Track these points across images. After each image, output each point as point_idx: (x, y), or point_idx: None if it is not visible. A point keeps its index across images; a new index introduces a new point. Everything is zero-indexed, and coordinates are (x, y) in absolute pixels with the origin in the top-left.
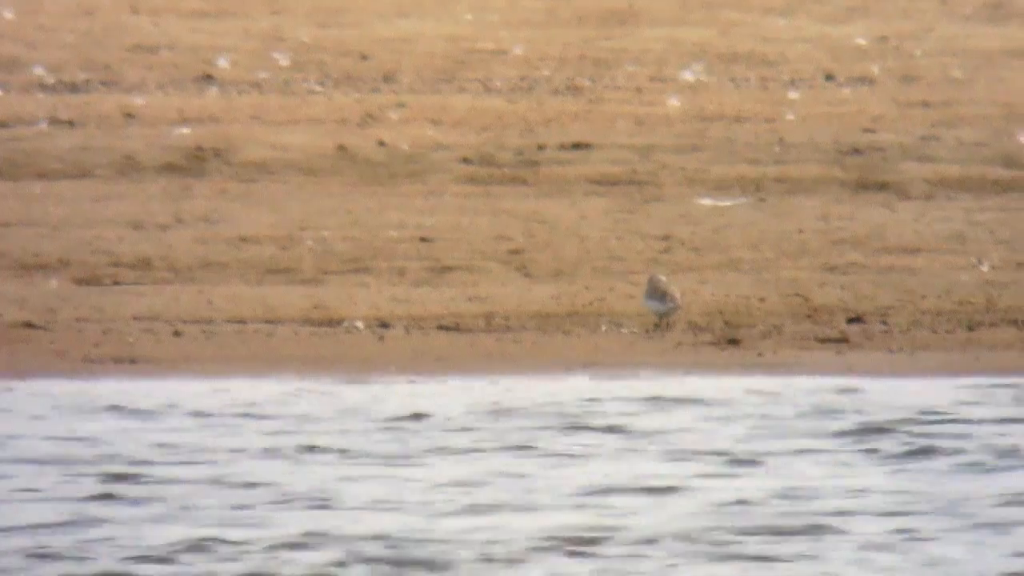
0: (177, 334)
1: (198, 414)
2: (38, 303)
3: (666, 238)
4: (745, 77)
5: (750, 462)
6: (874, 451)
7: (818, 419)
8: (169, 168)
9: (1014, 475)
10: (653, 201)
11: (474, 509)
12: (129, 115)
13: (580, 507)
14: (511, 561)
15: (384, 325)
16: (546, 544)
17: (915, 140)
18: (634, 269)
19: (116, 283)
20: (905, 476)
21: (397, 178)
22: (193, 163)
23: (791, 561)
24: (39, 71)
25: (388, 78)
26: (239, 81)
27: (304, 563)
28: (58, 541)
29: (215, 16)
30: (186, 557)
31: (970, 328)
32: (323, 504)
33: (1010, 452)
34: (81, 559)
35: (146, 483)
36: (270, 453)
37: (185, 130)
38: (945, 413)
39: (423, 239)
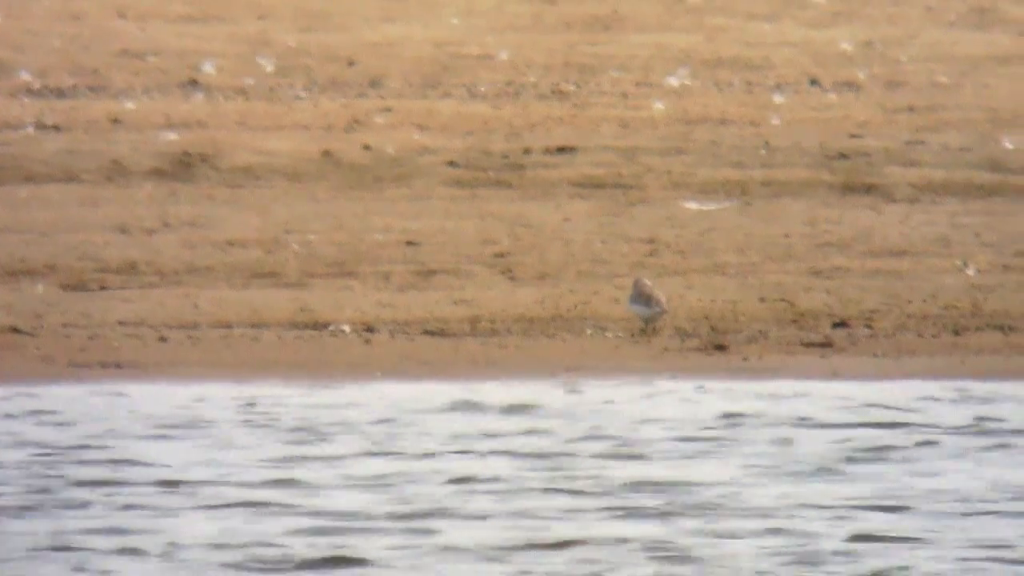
0: (163, 339)
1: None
2: (25, 308)
3: (651, 241)
4: (730, 82)
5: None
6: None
7: None
8: (156, 173)
9: None
10: (638, 204)
11: None
12: (116, 120)
13: None
14: None
15: (370, 329)
16: None
17: (900, 145)
18: (619, 273)
19: (103, 288)
20: None
21: (383, 182)
22: (179, 168)
23: None
24: (26, 76)
25: (374, 83)
26: (225, 86)
27: None
28: None
29: (201, 21)
30: None
31: (956, 332)
32: None
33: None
34: None
35: None
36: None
37: (172, 135)
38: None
39: (408, 243)
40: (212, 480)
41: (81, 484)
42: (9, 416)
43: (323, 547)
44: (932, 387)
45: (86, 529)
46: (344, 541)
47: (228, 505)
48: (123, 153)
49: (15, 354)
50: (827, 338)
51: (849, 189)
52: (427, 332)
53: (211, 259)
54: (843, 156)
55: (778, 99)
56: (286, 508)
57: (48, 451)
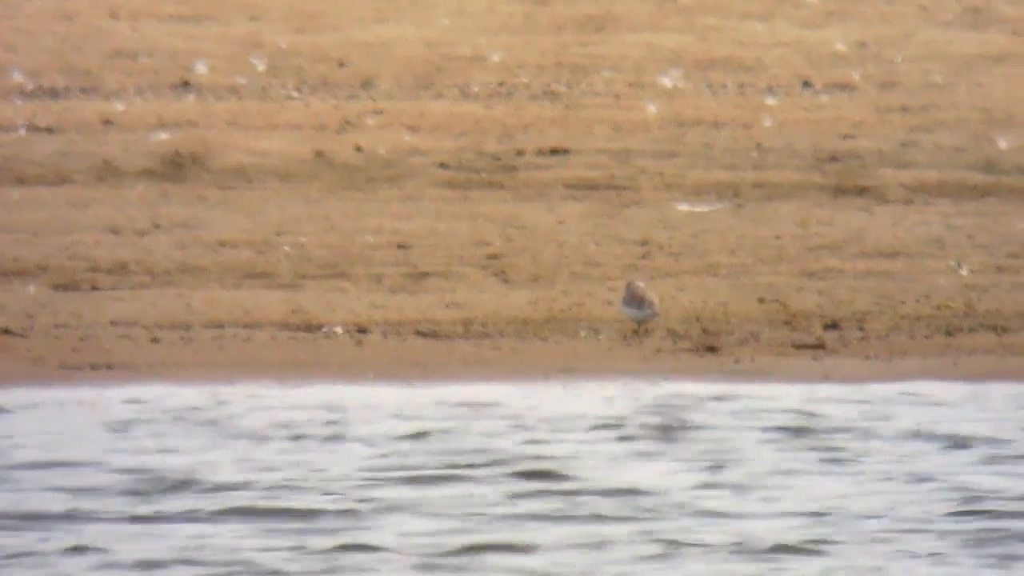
0: (155, 340)
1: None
2: (16, 309)
3: (644, 243)
4: (722, 83)
5: None
6: None
7: None
8: (147, 174)
9: None
10: (631, 206)
11: None
12: (108, 121)
13: None
14: None
15: (362, 331)
16: None
17: (894, 146)
18: (612, 275)
19: (94, 288)
20: None
21: (375, 183)
22: (171, 169)
23: None
24: (18, 76)
25: (366, 84)
26: (217, 87)
27: None
28: None
29: (193, 21)
30: None
31: (948, 333)
32: None
33: None
34: None
35: None
36: None
37: (163, 136)
38: None
39: (401, 245)
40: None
41: None
42: None
43: None
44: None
45: None
46: None
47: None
48: (115, 154)
49: (6, 356)
50: (819, 340)
51: (842, 191)
52: (419, 334)
53: (203, 260)
54: (836, 158)
55: (770, 101)
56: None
57: None
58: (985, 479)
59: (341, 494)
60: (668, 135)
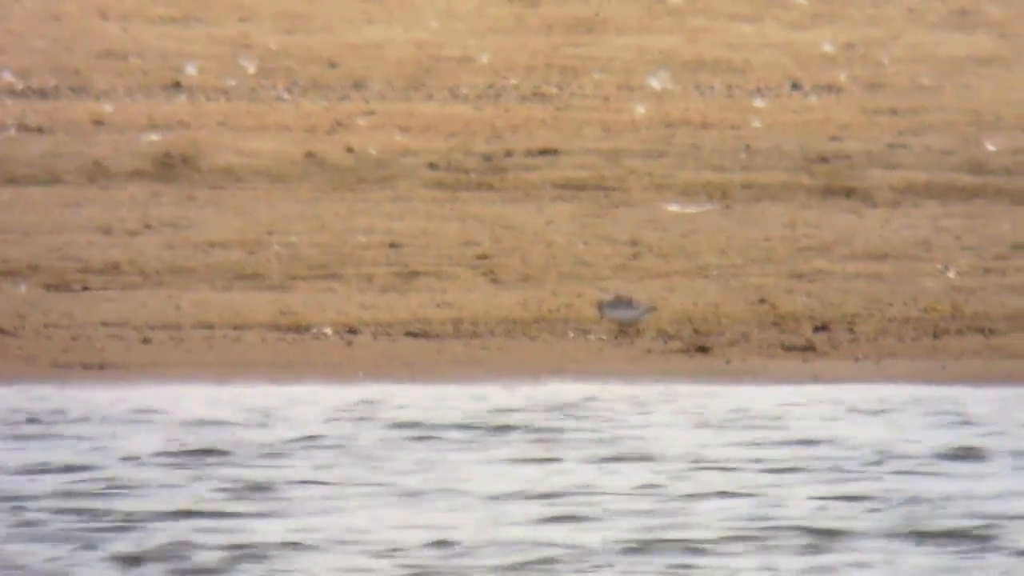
0: (145, 340)
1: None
2: (7, 309)
3: (633, 244)
4: (711, 84)
5: None
6: None
7: None
8: (138, 174)
9: None
10: (620, 207)
11: None
12: (98, 121)
13: None
14: None
15: (352, 331)
16: None
17: (882, 147)
18: (601, 275)
19: (85, 289)
20: None
21: (365, 184)
22: (162, 169)
23: None
24: (8, 77)
25: (356, 85)
26: (207, 88)
27: None
28: None
29: (183, 22)
30: None
31: (936, 336)
32: None
33: None
34: None
35: None
36: None
37: (154, 136)
38: None
39: (391, 245)
40: None
41: None
42: None
43: None
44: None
45: None
46: None
47: None
48: (105, 154)
49: None
50: (808, 341)
51: (830, 192)
52: (409, 334)
53: (193, 260)
54: (824, 159)
55: (759, 102)
56: None
57: None
58: None
59: None
60: (657, 136)
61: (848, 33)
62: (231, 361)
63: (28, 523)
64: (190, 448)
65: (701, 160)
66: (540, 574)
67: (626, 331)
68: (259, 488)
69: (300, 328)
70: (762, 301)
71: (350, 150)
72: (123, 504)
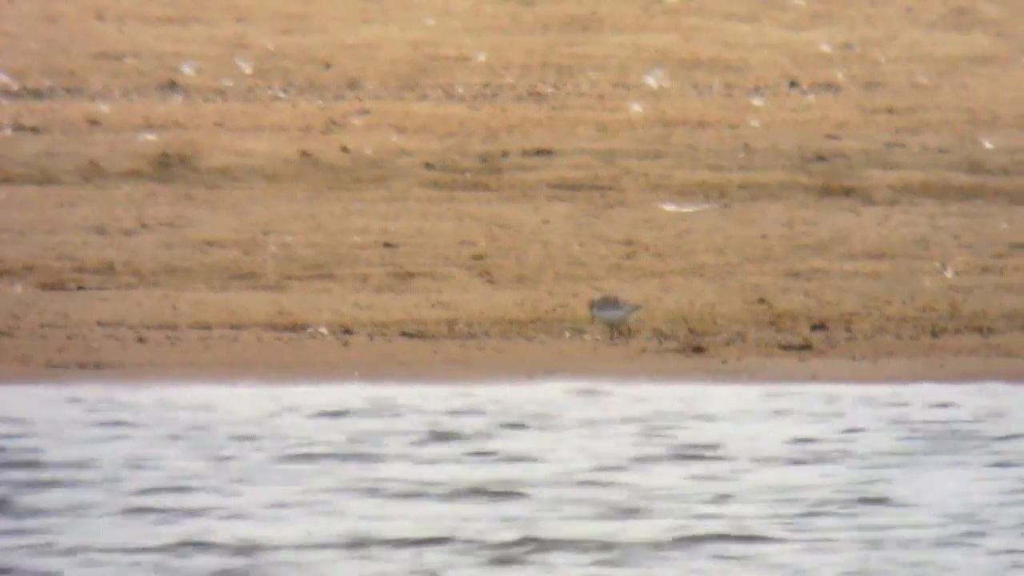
0: (141, 340)
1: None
2: (2, 308)
3: (629, 243)
4: (708, 83)
5: None
6: None
7: None
8: (134, 174)
9: None
10: (616, 206)
11: None
12: (94, 121)
13: None
14: None
15: (348, 331)
16: None
17: (879, 146)
18: (597, 275)
19: (80, 288)
20: None
21: (361, 184)
22: (158, 169)
23: None
24: (3, 78)
25: (351, 85)
26: (203, 88)
27: None
28: None
29: (179, 23)
30: None
31: (934, 334)
32: None
33: None
34: None
35: None
36: None
37: (150, 136)
38: None
39: (386, 245)
40: None
41: None
42: None
43: None
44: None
45: None
46: None
47: None
48: (101, 154)
49: None
50: (805, 340)
51: (827, 191)
52: (405, 334)
53: (189, 260)
54: (821, 158)
55: (756, 101)
56: None
57: None
58: None
59: None
60: (653, 135)
61: (845, 32)
62: (227, 361)
63: None
64: None
65: (698, 159)
66: None
67: (617, 330)
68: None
69: (296, 328)
70: (759, 300)
71: (345, 150)
72: None
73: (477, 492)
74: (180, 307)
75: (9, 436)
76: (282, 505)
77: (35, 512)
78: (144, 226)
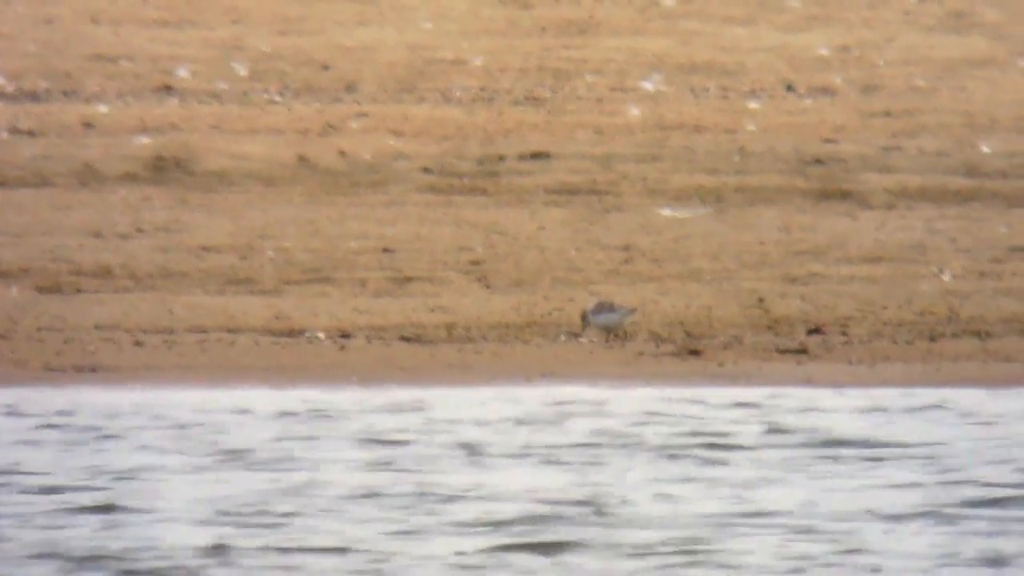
0: (138, 343)
1: None
2: None
3: (626, 248)
4: (705, 87)
5: None
6: None
7: None
8: (129, 177)
9: None
10: (613, 211)
11: None
12: (89, 124)
13: None
14: None
15: (345, 335)
16: None
17: (876, 150)
18: (594, 280)
19: (77, 291)
20: None
21: (358, 188)
22: (153, 172)
23: None
24: None
25: (349, 88)
26: (199, 91)
27: None
28: None
29: (175, 26)
30: None
31: (931, 339)
32: None
33: None
34: None
35: None
36: None
37: (145, 139)
38: None
39: (384, 249)
40: None
41: None
42: None
43: None
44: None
45: None
46: None
47: None
48: (96, 157)
49: None
50: (802, 344)
51: (824, 195)
52: (403, 338)
53: (185, 264)
54: (818, 162)
55: (753, 105)
56: None
57: None
58: None
59: None
60: (651, 139)
61: (842, 35)
62: (224, 365)
63: None
64: None
65: (695, 163)
66: None
67: (613, 334)
68: None
69: (293, 332)
70: (756, 305)
71: (342, 154)
72: None
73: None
74: (177, 311)
75: None
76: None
77: None
78: (140, 230)
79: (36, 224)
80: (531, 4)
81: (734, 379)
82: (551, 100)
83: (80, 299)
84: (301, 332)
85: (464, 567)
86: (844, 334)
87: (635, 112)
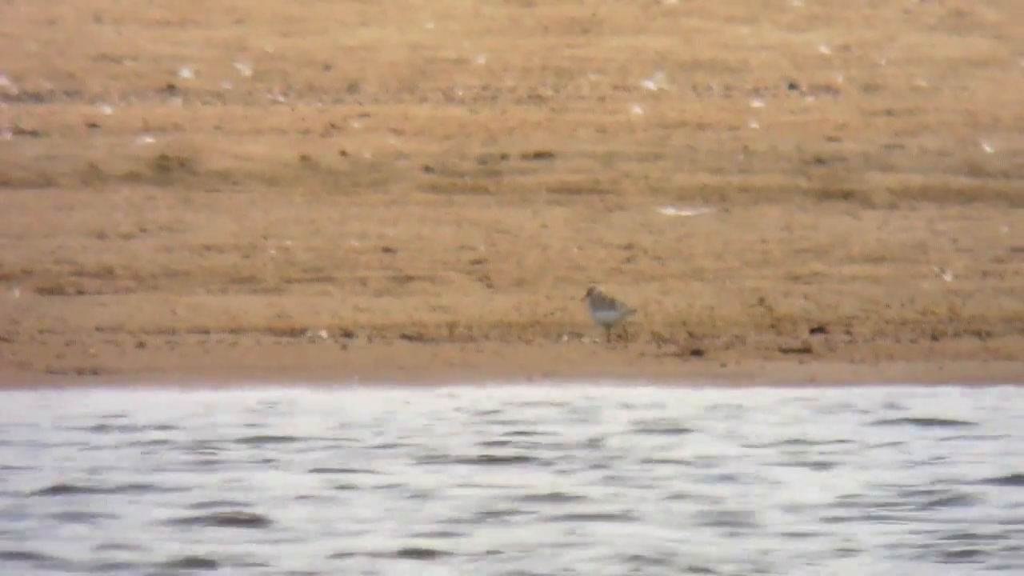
0: (140, 345)
1: None
2: (1, 314)
3: (628, 247)
4: (707, 86)
5: None
6: None
7: None
8: (132, 177)
9: None
10: (615, 210)
11: None
12: (93, 125)
13: None
14: None
15: (347, 335)
16: None
17: (879, 149)
18: (596, 279)
19: (79, 292)
20: None
21: (360, 187)
22: (156, 172)
23: None
24: (2, 81)
25: (351, 88)
26: (202, 91)
27: None
28: None
29: (178, 26)
30: None
31: (933, 338)
32: None
33: None
34: None
35: None
36: None
37: (148, 140)
38: None
39: (386, 249)
40: None
41: None
42: None
43: None
44: None
45: None
46: None
47: None
48: (100, 157)
49: None
50: (805, 343)
51: (827, 195)
52: (405, 337)
53: (188, 264)
54: (821, 161)
55: (756, 103)
56: None
57: None
58: None
59: None
60: (653, 137)
61: (844, 35)
62: (226, 365)
63: None
64: None
65: (697, 162)
66: None
67: (612, 332)
68: None
69: (295, 332)
70: (759, 304)
71: (345, 153)
72: None
73: None
74: (179, 311)
75: None
76: None
77: None
78: (143, 230)
79: (39, 225)
80: (533, 3)
81: (736, 379)
82: (553, 99)
83: (82, 300)
84: (303, 331)
85: None
86: (847, 333)
87: (637, 111)
